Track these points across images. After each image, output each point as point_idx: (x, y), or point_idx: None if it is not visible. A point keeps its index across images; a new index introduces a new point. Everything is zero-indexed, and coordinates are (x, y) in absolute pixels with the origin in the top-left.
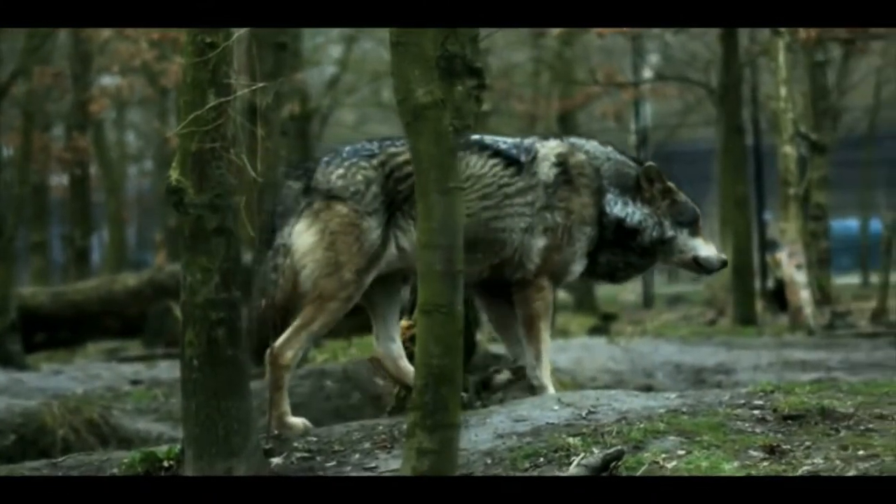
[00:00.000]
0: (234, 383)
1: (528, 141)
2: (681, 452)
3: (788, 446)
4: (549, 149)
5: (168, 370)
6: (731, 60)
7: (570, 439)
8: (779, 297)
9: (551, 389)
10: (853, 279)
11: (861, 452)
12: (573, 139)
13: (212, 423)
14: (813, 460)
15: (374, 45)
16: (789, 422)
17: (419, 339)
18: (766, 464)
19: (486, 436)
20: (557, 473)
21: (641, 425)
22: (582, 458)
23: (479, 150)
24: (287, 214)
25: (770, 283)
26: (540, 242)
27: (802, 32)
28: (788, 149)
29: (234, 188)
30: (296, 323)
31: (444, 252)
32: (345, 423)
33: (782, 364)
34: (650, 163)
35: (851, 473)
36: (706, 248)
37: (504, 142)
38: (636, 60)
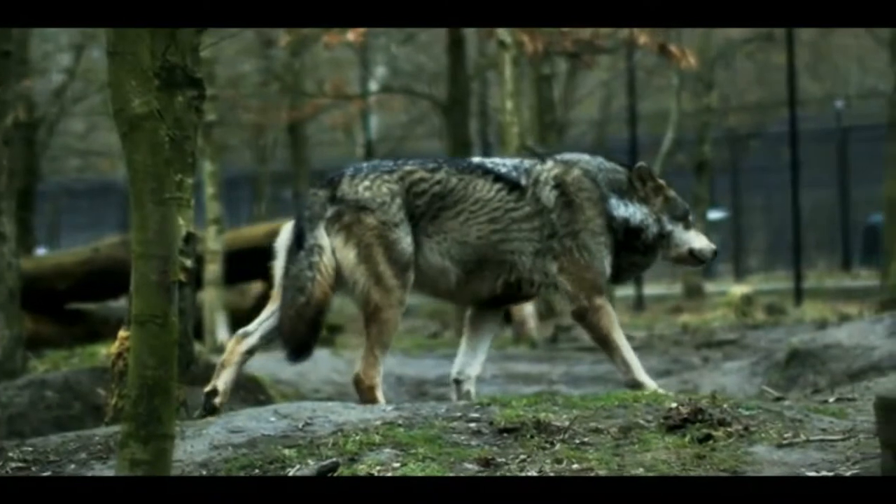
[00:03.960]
0: None
1: (527, 163)
2: (396, 465)
3: (503, 459)
4: (547, 171)
5: None
6: (459, 73)
7: (286, 451)
8: None
9: (653, 385)
10: None
11: (575, 466)
12: (566, 155)
13: None
14: (527, 473)
15: (103, 53)
16: (505, 435)
17: (133, 349)
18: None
19: (201, 447)
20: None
21: (357, 437)
22: (297, 470)
23: (482, 175)
24: (315, 219)
25: None
26: (553, 267)
27: (529, 46)
28: None
29: None
30: (367, 344)
31: (159, 263)
32: (63, 433)
33: (505, 377)
34: (641, 163)
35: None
36: (699, 240)
37: (504, 165)
38: (364, 73)
